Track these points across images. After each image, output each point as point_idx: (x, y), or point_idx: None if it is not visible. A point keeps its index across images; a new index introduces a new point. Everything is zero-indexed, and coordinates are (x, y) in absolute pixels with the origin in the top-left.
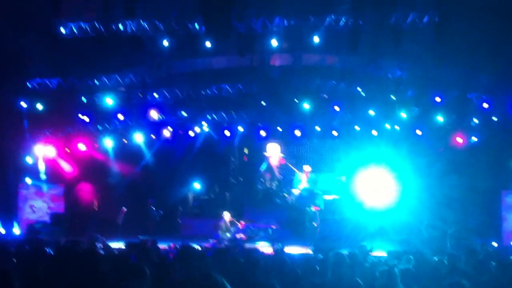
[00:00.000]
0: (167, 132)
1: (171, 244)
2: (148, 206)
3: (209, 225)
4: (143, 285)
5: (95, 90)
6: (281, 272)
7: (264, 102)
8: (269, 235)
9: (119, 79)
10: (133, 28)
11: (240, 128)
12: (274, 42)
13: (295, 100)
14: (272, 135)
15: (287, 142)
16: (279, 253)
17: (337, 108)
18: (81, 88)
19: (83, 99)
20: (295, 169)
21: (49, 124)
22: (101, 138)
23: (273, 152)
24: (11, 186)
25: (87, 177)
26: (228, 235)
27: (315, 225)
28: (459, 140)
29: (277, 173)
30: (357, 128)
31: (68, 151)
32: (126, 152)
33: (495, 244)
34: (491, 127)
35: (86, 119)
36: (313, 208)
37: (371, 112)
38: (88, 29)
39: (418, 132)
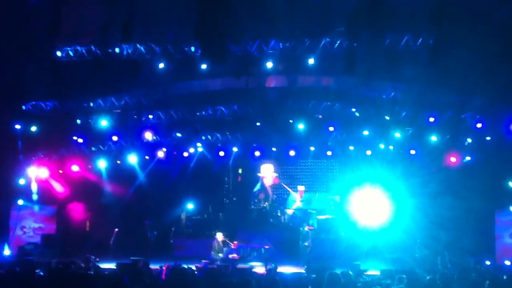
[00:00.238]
0: (161, 153)
1: (164, 265)
2: (143, 227)
3: (202, 245)
4: None
5: (90, 112)
6: None
7: (259, 123)
8: (262, 255)
9: (114, 101)
10: (129, 51)
11: (235, 149)
12: (269, 64)
13: (290, 121)
14: (266, 156)
15: (282, 162)
16: (271, 273)
17: (331, 129)
18: (76, 111)
19: (78, 121)
20: (289, 189)
21: (43, 146)
22: (95, 159)
23: (267, 173)
24: (3, 208)
25: (79, 197)
26: (221, 255)
27: (306, 244)
28: (453, 160)
29: (270, 193)
30: (351, 148)
31: (61, 172)
32: (120, 173)
33: (488, 262)
34: (484, 147)
35: (80, 140)
36: (306, 228)
37: (366, 133)
38: (85, 53)
39: (412, 152)
